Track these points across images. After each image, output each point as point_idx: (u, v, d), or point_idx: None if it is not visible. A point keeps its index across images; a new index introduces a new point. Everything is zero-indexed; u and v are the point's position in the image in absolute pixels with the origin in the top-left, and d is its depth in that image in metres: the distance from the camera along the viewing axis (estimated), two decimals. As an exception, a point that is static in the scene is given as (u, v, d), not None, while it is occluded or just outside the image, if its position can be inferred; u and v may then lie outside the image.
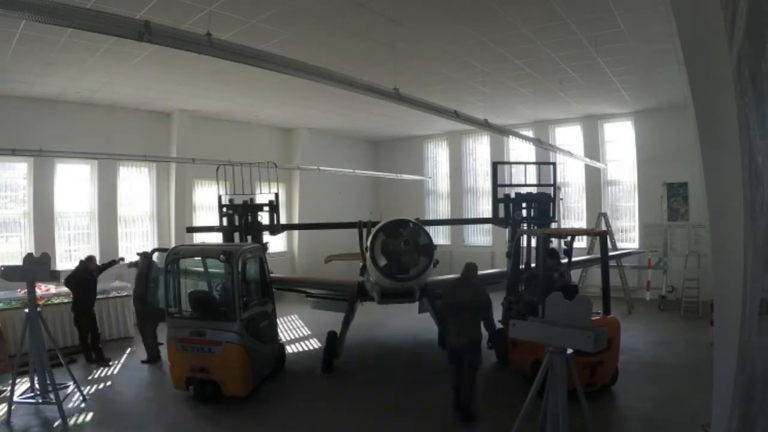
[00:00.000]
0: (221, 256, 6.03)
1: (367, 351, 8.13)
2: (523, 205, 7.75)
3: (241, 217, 7.89)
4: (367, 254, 6.30)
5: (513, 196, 7.91)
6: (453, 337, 5.35)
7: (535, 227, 7.56)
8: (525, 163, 8.42)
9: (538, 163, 8.98)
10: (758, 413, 2.23)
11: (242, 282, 6.18)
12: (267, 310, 6.74)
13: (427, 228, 6.64)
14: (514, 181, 8.67)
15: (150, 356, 7.54)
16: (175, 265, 6.33)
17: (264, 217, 8.14)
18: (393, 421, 5.50)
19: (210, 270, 7.13)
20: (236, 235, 7.92)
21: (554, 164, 8.50)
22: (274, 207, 7.95)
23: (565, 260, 7.26)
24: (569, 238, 7.99)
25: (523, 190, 8.03)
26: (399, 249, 6.08)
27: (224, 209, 7.90)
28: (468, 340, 5.27)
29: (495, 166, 8.08)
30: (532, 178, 8.35)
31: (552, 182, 8.22)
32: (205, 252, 6.70)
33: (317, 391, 6.47)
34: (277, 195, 8.00)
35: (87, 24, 3.45)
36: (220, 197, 7.91)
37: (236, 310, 5.90)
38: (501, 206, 7.89)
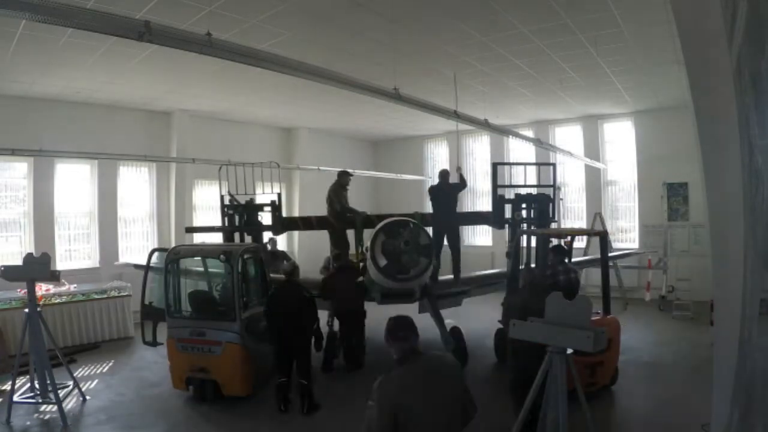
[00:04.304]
0: (221, 256, 6.04)
1: (368, 351, 8.11)
2: (523, 205, 7.73)
3: (241, 217, 7.85)
4: (367, 254, 6.30)
5: (512, 197, 7.86)
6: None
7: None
8: (525, 164, 8.40)
9: (537, 164, 8.97)
10: (758, 413, 2.23)
11: (242, 282, 6.18)
12: (267, 310, 6.74)
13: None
14: (514, 182, 8.64)
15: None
16: (175, 265, 6.33)
17: (266, 219, 8.08)
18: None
19: (210, 270, 7.12)
20: (236, 235, 7.89)
21: (554, 165, 8.49)
22: (276, 207, 7.92)
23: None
24: (569, 238, 7.99)
25: (523, 192, 8.02)
26: (399, 249, 6.08)
27: (226, 209, 7.86)
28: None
29: (495, 166, 8.06)
30: (531, 179, 8.34)
31: (552, 183, 8.21)
32: (205, 252, 6.70)
33: (317, 391, 6.47)
34: (279, 195, 7.97)
35: (87, 24, 3.45)
36: (222, 197, 7.90)
37: (236, 310, 5.90)
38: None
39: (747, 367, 2.66)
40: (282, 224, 8.10)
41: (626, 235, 12.58)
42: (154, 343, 6.51)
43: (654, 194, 11.62)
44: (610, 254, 7.62)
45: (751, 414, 2.48)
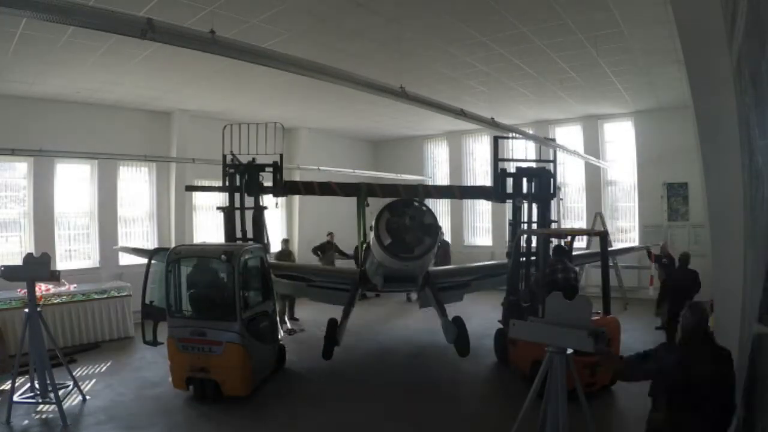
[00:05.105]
0: (222, 257, 6.03)
1: (368, 351, 8.13)
2: (524, 181, 7.55)
3: (242, 177, 7.70)
4: (371, 234, 6.27)
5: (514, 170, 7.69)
6: None
7: (536, 224, 7.53)
8: (526, 138, 8.32)
9: (538, 138, 8.86)
10: (758, 413, 2.23)
11: (243, 282, 6.18)
12: (267, 310, 6.74)
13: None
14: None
15: None
16: (176, 264, 6.33)
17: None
18: (393, 421, 5.50)
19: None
20: (237, 230, 7.80)
21: (554, 139, 8.39)
22: (278, 167, 7.81)
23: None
24: (569, 238, 7.98)
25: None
26: (404, 227, 6.07)
27: (227, 168, 7.73)
28: None
29: (496, 140, 7.99)
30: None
31: (552, 159, 8.06)
32: (206, 252, 6.69)
33: (317, 391, 6.47)
34: (281, 155, 7.86)
35: (90, 22, 3.43)
36: (224, 156, 7.81)
37: (237, 310, 5.90)
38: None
39: (747, 367, 2.67)
40: (283, 187, 7.94)
41: (626, 235, 12.58)
42: (154, 343, 6.51)
43: (654, 194, 11.62)
44: (611, 249, 7.56)
45: (751, 414, 2.49)
